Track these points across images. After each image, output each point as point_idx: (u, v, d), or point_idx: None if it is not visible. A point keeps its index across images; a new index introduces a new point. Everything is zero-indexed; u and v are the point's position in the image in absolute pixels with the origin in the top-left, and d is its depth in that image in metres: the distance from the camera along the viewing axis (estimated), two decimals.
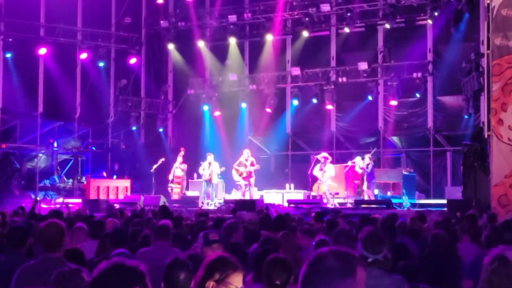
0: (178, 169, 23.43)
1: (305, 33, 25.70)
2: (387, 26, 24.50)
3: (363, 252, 4.88)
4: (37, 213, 13.92)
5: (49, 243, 5.49)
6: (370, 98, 25.05)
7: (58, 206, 20.55)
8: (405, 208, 20.02)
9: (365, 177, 21.71)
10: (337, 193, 22.51)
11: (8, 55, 25.52)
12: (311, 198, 22.54)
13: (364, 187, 21.75)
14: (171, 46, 28.24)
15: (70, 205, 17.57)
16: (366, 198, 21.58)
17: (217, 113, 27.55)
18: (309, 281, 2.56)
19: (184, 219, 11.26)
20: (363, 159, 21.79)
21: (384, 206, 20.30)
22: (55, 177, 26.77)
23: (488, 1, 18.11)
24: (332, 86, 25.42)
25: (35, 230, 7.44)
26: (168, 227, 7.15)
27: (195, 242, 5.94)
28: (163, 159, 24.25)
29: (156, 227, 7.18)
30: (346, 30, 25.33)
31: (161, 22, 28.02)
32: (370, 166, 21.70)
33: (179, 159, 23.49)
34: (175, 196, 23.24)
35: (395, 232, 9.20)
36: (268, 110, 26.60)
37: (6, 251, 6.19)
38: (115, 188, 24.34)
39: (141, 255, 6.69)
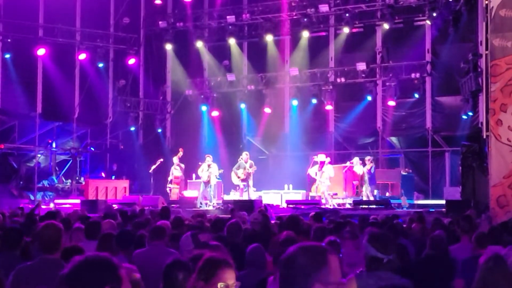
0: (177, 169, 23.41)
1: (304, 34, 25.70)
2: (386, 26, 24.51)
3: (376, 254, 4.79)
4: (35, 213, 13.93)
5: (47, 244, 5.48)
6: (369, 98, 25.03)
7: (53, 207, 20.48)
8: (404, 209, 20.03)
9: (366, 179, 21.62)
10: (336, 194, 22.51)
11: (7, 56, 25.51)
12: (309, 198, 22.55)
13: (364, 188, 21.72)
14: (169, 47, 28.21)
15: (63, 206, 17.50)
16: (365, 198, 21.59)
17: (215, 114, 27.52)
18: (287, 282, 2.66)
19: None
20: (363, 164, 21.68)
21: (383, 206, 20.31)
22: (54, 177, 26.73)
23: (486, 2, 18.11)
24: (331, 87, 25.42)
25: (33, 231, 7.45)
26: (163, 228, 7.15)
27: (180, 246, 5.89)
28: (161, 160, 24.27)
29: (152, 228, 7.19)
30: (345, 30, 25.34)
31: (160, 22, 27.98)
32: (373, 169, 21.71)
33: (175, 159, 23.43)
34: (173, 197, 23.24)
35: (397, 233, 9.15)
36: (267, 110, 26.61)
37: (1, 253, 6.19)
38: (114, 189, 24.34)
39: (137, 256, 6.68)
